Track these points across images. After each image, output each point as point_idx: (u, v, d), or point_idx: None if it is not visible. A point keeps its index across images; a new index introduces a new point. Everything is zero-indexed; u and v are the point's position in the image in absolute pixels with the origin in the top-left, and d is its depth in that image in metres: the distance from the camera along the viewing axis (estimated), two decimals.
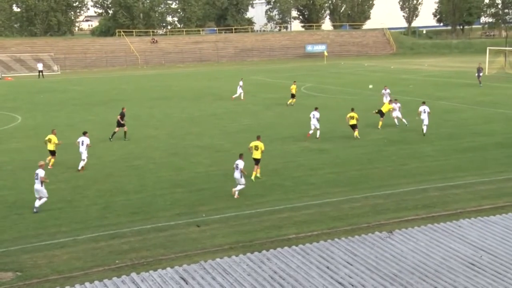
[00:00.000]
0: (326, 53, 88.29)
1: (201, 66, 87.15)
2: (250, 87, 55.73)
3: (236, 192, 20.04)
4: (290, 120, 35.77)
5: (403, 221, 17.31)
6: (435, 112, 35.63)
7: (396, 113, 32.57)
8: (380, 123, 32.17)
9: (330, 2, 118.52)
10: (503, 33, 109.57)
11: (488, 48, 62.20)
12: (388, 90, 38.60)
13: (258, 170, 22.49)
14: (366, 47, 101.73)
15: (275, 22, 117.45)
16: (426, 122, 29.86)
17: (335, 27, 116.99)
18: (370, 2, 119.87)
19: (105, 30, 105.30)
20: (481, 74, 52.38)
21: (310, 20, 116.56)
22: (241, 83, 46.29)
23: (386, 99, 37.30)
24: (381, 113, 32.29)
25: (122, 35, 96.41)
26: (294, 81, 43.74)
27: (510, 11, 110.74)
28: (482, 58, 69.58)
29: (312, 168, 23.95)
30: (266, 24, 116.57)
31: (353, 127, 30.19)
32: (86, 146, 24.46)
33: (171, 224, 17.65)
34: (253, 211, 18.76)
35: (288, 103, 41.06)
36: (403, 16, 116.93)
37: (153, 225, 17.61)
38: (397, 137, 29.87)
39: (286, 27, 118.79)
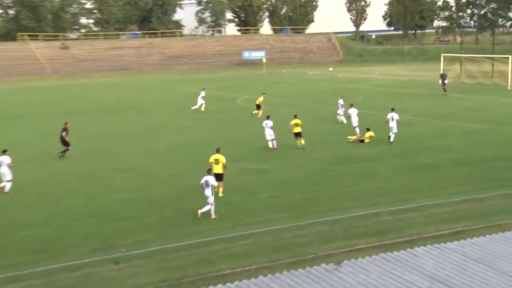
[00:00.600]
0: (265, 60, 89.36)
1: (122, 75, 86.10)
2: (179, 99, 55.46)
3: (212, 212, 20.65)
4: (226, 137, 35.75)
5: (352, 251, 17.49)
6: (386, 127, 36.55)
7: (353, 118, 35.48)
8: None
9: (269, 3, 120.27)
10: (458, 39, 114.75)
11: (442, 55, 64.74)
12: (341, 101, 39.95)
13: (221, 189, 23.20)
14: (310, 53, 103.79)
15: (207, 25, 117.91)
16: (395, 130, 32.10)
17: (275, 31, 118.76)
18: (314, 3, 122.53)
19: (4, 34, 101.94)
20: (445, 81, 54.47)
21: (247, 23, 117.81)
22: (203, 93, 46.76)
23: (341, 111, 39.20)
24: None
25: (26, 39, 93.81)
26: (263, 93, 45.74)
27: (465, 14, 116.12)
28: (436, 66, 72.34)
29: (250, 191, 23.95)
30: (197, 28, 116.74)
31: (298, 135, 31.09)
32: (7, 165, 24.65)
33: (84, 262, 17.08)
34: (182, 244, 18.46)
35: (254, 113, 42.49)
36: (350, 19, 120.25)
37: (63, 264, 16.98)
38: (346, 154, 30.40)
39: (219, 31, 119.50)
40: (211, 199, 20.78)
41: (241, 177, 26.40)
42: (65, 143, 30.53)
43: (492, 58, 64.95)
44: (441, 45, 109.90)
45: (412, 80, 66.87)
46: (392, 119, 32.39)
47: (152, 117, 44.52)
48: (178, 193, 23.97)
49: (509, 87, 55.38)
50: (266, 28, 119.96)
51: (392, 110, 33.23)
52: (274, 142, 31.48)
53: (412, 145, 32.12)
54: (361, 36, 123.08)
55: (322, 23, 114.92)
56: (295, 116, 31.63)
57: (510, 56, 57.18)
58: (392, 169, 27.09)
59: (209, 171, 21.32)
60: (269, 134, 31.35)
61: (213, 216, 20.76)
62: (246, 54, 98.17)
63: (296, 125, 31.77)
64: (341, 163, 28.52)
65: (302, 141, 31.53)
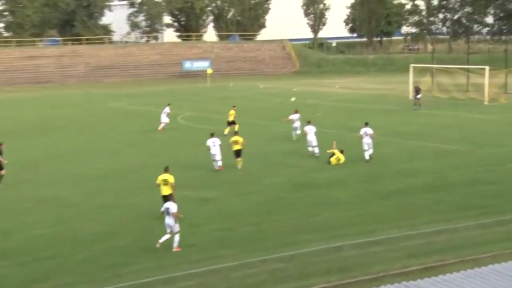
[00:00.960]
0: (210, 72, 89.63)
1: (40, 89, 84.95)
2: (109, 117, 55.08)
3: (176, 244, 21.06)
4: (164, 160, 35.57)
5: None
6: (350, 148, 37.18)
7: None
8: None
9: (214, 5, 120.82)
10: (429, 47, 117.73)
11: (411, 65, 66.33)
12: (297, 115, 41.36)
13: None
14: (262, 63, 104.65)
15: (141, 30, 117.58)
16: (370, 146, 34.01)
17: (221, 37, 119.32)
18: (265, 6, 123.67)
19: None
20: (419, 96, 55.73)
21: (189, 28, 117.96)
22: (167, 109, 47.05)
23: (297, 124, 41.00)
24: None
25: None
26: (234, 106, 45.82)
27: (436, 20, 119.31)
28: (405, 78, 73.87)
29: (192, 224, 23.91)
30: (129, 33, 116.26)
31: (237, 154, 31.97)
32: None
33: None
34: (113, 287, 18.30)
35: (226, 132, 42.75)
36: (308, 24, 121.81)
37: None
38: (304, 179, 30.73)
39: (156, 38, 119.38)
40: (176, 227, 21.34)
41: (183, 207, 26.18)
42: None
43: (467, 70, 66.86)
44: (410, 54, 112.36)
45: (378, 94, 68.25)
46: (366, 134, 34.21)
47: (78, 138, 44.08)
48: (107, 228, 23.76)
49: (486, 102, 57.13)
50: (210, 34, 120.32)
51: (366, 125, 34.88)
52: (220, 162, 32.54)
53: (379, 168, 32.71)
54: (320, 44, 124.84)
55: (275, 29, 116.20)
56: (236, 133, 32.61)
57: (486, 67, 59.00)
58: (356, 196, 27.52)
59: (170, 197, 22.45)
60: (215, 154, 32.49)
61: (175, 248, 21.12)
62: (188, 65, 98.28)
63: (235, 142, 32.44)
64: (298, 189, 28.77)
65: (239, 163, 32.47)
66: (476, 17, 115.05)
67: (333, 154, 33.77)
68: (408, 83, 64.01)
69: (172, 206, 21.51)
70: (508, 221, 23.42)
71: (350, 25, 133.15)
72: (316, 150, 35.46)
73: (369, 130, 34.39)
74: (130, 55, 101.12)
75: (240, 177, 31.17)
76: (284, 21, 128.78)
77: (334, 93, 70.86)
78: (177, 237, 21.30)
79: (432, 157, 35.21)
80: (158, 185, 24.63)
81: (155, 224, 23.83)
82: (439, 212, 24.90)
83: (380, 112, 53.18)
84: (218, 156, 32.54)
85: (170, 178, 24.60)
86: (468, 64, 70.43)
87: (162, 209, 21.86)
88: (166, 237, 21.37)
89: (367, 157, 33.86)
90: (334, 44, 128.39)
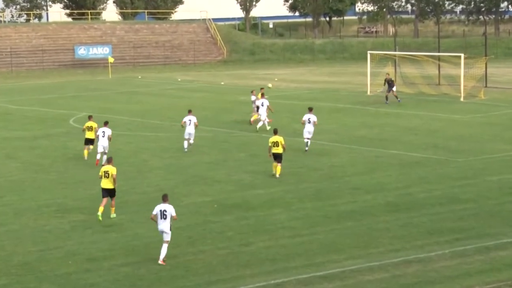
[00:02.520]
0: (111, 60, 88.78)
1: None
2: None
3: (162, 258, 22.99)
4: (49, 176, 35.18)
5: None
6: (291, 158, 37.39)
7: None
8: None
9: None
10: (390, 29, 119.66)
11: (368, 52, 67.23)
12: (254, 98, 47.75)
13: (113, 209, 27.96)
14: (179, 49, 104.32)
15: (18, 6, 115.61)
16: (310, 135, 38.87)
17: (125, 16, 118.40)
18: None
19: None
20: (394, 88, 57.06)
21: (82, 4, 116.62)
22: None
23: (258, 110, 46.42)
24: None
25: None
26: (262, 88, 50.55)
27: None
28: (361, 68, 74.88)
29: (92, 258, 23.67)
30: (2, 11, 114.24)
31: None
32: None
33: None
34: None
35: (252, 120, 47.52)
36: (237, 0, 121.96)
37: None
38: (234, 197, 30.74)
39: (39, 17, 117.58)
40: (168, 236, 23.17)
41: (77, 236, 25.98)
42: None
43: (438, 58, 68.15)
44: (367, 39, 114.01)
45: (328, 89, 68.84)
46: (309, 121, 38.68)
47: None
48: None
49: (462, 99, 58.40)
50: (111, 12, 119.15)
51: (310, 110, 39.38)
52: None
53: (330, 183, 32.99)
54: (254, 25, 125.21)
55: (196, 5, 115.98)
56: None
57: (462, 55, 60.28)
58: (302, 219, 27.63)
59: (165, 198, 23.65)
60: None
61: (161, 261, 22.92)
62: (82, 51, 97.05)
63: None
64: (227, 211, 28.73)
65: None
66: None
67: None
68: (365, 74, 64.83)
69: (170, 209, 23.26)
70: (489, 248, 23.96)
71: (291, 1, 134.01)
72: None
73: (313, 117, 38.80)
74: (4, 38, 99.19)
75: (152, 196, 30.90)
76: None
77: (273, 88, 71.13)
78: (166, 248, 23.00)
79: (397, 168, 35.73)
80: (101, 177, 27.95)
81: (41, 257, 23.43)
82: (407, 238, 25.23)
83: (331, 112, 53.73)
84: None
85: (112, 169, 27.67)
86: (439, 51, 71.85)
87: (155, 211, 23.36)
88: (165, 248, 23.09)
89: (307, 146, 38.54)
90: (271, 26, 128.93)
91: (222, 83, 75.70)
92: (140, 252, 24.19)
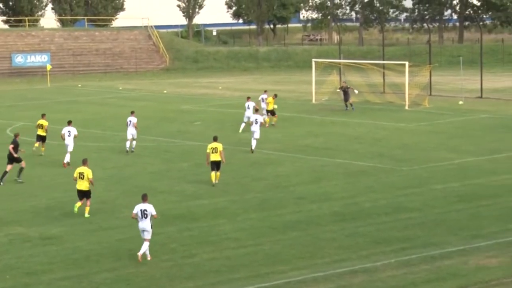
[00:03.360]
0: (50, 68, 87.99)
1: None
2: None
3: (147, 251, 24.27)
4: None
5: None
6: (236, 168, 37.34)
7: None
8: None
9: None
10: (335, 37, 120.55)
11: (313, 60, 67.62)
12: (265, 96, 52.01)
13: (87, 209, 29.46)
14: (121, 57, 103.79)
15: None
16: (257, 135, 41.32)
17: (63, 23, 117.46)
18: None
19: None
20: (350, 97, 57.28)
21: (18, 11, 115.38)
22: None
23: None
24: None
25: None
26: (275, 95, 53.59)
27: (343, 2, 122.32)
28: (306, 76, 75.28)
29: (30, 271, 23.42)
30: None
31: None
32: None
33: None
34: None
35: (268, 124, 50.49)
36: (179, 7, 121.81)
37: None
38: (177, 208, 30.68)
39: None
40: (149, 234, 24.32)
41: (15, 250, 25.69)
42: (14, 159, 35.59)
43: (383, 66, 68.86)
44: (311, 47, 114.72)
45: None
46: (256, 122, 41.32)
47: None
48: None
49: (406, 107, 59.00)
50: (49, 19, 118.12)
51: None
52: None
53: (275, 193, 33.05)
54: (196, 32, 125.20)
55: (137, 12, 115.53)
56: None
57: (406, 63, 60.96)
58: (246, 230, 27.64)
59: (145, 198, 24.79)
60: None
61: (149, 257, 24.26)
62: (19, 59, 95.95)
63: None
64: (169, 222, 28.61)
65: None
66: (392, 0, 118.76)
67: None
68: (310, 82, 65.18)
69: (150, 208, 24.35)
70: (435, 257, 24.20)
71: (234, 8, 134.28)
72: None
73: (259, 118, 42.26)
74: None
75: (93, 207, 30.66)
76: (149, 2, 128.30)
77: (217, 96, 71.17)
78: (147, 244, 24.16)
79: (342, 177, 35.95)
80: (75, 179, 29.40)
81: None
82: (353, 248, 25.37)
83: (277, 121, 53.85)
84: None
85: (87, 171, 29.33)
86: (383, 59, 72.64)
87: (135, 211, 24.45)
88: (145, 246, 24.15)
89: (254, 145, 41.26)
90: (214, 33, 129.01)
91: (165, 91, 75.47)
92: (81, 265, 23.97)
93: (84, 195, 29.42)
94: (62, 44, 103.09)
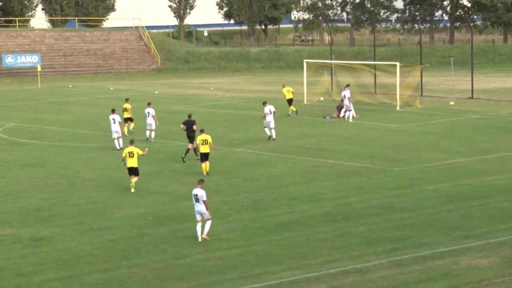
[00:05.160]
0: (40, 69, 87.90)
1: None
2: None
3: (206, 232, 26.26)
4: None
5: None
6: (228, 169, 37.38)
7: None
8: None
9: None
10: (326, 38, 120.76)
11: (305, 61, 67.68)
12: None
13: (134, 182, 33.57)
14: (112, 58, 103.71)
15: None
16: (272, 125, 44.66)
17: (54, 23, 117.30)
18: None
19: None
20: (341, 113, 55.04)
21: (9, 12, 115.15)
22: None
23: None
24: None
25: None
26: (283, 85, 58.20)
27: (334, 3, 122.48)
28: (297, 77, 75.33)
29: (21, 273, 23.43)
30: None
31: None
32: None
33: None
34: None
35: (290, 112, 55.42)
36: (170, 7, 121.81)
37: None
38: (169, 209, 30.72)
39: None
40: (207, 214, 26.21)
41: (4, 251, 25.71)
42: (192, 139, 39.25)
43: (374, 67, 68.97)
44: (303, 47, 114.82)
45: (265, 98, 68.50)
46: (270, 112, 44.36)
47: None
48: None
49: (398, 107, 59.11)
50: (39, 19, 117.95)
51: (264, 104, 45.70)
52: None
53: (267, 194, 33.12)
54: (188, 33, 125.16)
55: (128, 13, 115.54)
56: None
57: (397, 64, 61.04)
58: (239, 231, 27.71)
59: (200, 182, 26.48)
60: (116, 130, 42.72)
61: (205, 236, 26.31)
62: (9, 60, 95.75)
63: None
64: (162, 223, 28.67)
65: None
66: (383, 0, 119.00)
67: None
68: (302, 83, 65.22)
69: (201, 193, 26.03)
70: (426, 257, 24.31)
71: (225, 9, 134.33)
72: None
73: (272, 108, 44.82)
74: None
75: (84, 208, 30.69)
76: (140, 3, 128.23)
77: (209, 97, 71.17)
78: (208, 224, 26.16)
79: (334, 177, 36.02)
80: (124, 158, 33.47)
81: None
82: (344, 248, 25.47)
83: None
84: (119, 133, 42.47)
85: (136, 150, 33.23)
86: (374, 60, 72.71)
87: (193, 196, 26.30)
88: (199, 226, 26.16)
89: (273, 135, 45.04)
90: (205, 34, 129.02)
91: (156, 92, 75.43)
92: (72, 266, 24.00)
93: (133, 172, 33.20)
94: (53, 44, 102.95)
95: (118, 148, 42.15)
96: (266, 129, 45.34)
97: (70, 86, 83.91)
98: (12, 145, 46.35)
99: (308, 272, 23.05)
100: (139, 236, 27.15)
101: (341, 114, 54.69)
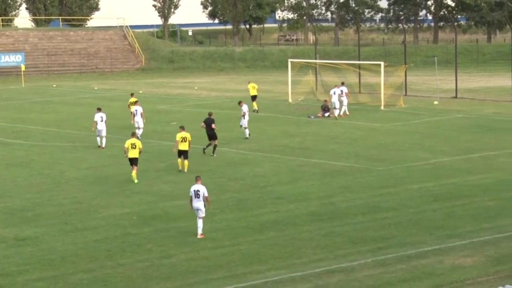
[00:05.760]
0: (23, 68, 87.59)
1: None
2: None
3: (199, 231, 26.51)
4: None
5: None
6: (213, 168, 37.38)
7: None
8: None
9: None
10: (311, 37, 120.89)
11: (289, 60, 67.73)
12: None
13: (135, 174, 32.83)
14: (96, 57, 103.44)
15: None
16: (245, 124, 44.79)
17: (38, 23, 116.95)
18: None
19: None
20: (327, 114, 55.27)
21: None
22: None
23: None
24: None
25: None
26: (249, 81, 58.40)
27: (319, 2, 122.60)
28: (282, 76, 75.38)
29: (5, 273, 23.44)
30: None
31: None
32: None
33: None
34: None
35: (255, 108, 54.88)
36: (154, 6, 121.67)
37: None
38: (154, 208, 30.73)
39: None
40: (203, 212, 26.45)
41: None
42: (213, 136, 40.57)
43: (359, 66, 69.09)
44: (287, 47, 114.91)
45: (249, 98, 68.95)
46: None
47: None
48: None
49: (382, 107, 59.23)
50: (23, 18, 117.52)
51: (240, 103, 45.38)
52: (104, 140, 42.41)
53: (252, 193, 33.17)
54: (172, 32, 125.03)
55: (112, 12, 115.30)
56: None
57: (381, 63, 61.17)
58: (224, 230, 27.72)
59: (197, 179, 26.82)
60: (101, 129, 43.29)
61: (200, 235, 26.61)
62: None
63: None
64: (146, 223, 28.67)
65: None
66: (367, 0, 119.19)
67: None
68: (286, 82, 65.28)
69: (201, 189, 26.30)
70: (410, 256, 24.44)
71: (210, 8, 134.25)
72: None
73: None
74: None
75: (68, 208, 30.62)
76: (124, 2, 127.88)
77: (193, 96, 71.15)
78: (201, 223, 26.27)
79: (319, 177, 36.08)
80: (126, 150, 34.92)
81: None
82: (330, 248, 25.53)
83: (253, 121, 53.71)
84: (104, 132, 42.66)
85: (138, 142, 35.08)
86: (359, 59, 72.87)
87: (191, 192, 26.41)
88: (200, 223, 26.45)
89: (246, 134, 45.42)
90: (190, 33, 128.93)
91: (141, 91, 75.20)
92: (56, 266, 23.98)
93: (135, 162, 34.93)
94: (37, 44, 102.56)
95: (99, 145, 43.59)
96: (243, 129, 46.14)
97: (54, 85, 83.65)
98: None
99: (293, 272, 23.10)
100: (124, 235, 27.13)
101: (326, 114, 54.79)
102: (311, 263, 23.87)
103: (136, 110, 46.02)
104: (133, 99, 49.64)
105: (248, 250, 25.42)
